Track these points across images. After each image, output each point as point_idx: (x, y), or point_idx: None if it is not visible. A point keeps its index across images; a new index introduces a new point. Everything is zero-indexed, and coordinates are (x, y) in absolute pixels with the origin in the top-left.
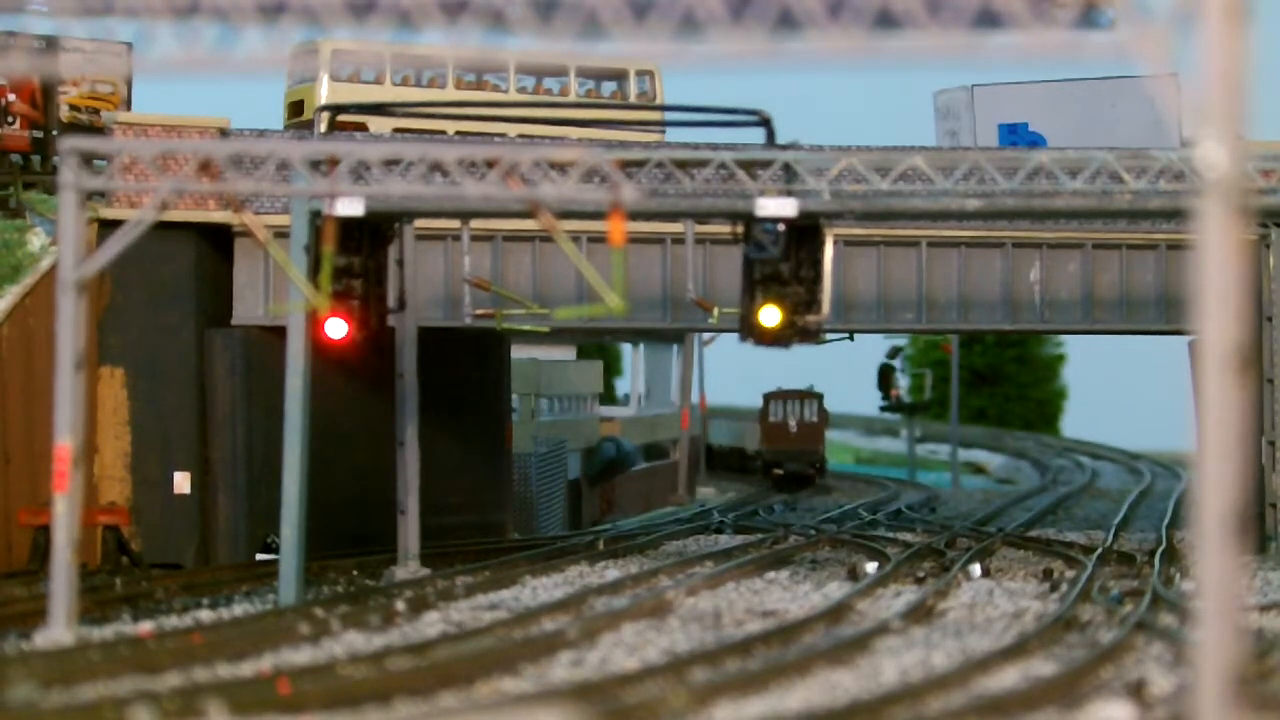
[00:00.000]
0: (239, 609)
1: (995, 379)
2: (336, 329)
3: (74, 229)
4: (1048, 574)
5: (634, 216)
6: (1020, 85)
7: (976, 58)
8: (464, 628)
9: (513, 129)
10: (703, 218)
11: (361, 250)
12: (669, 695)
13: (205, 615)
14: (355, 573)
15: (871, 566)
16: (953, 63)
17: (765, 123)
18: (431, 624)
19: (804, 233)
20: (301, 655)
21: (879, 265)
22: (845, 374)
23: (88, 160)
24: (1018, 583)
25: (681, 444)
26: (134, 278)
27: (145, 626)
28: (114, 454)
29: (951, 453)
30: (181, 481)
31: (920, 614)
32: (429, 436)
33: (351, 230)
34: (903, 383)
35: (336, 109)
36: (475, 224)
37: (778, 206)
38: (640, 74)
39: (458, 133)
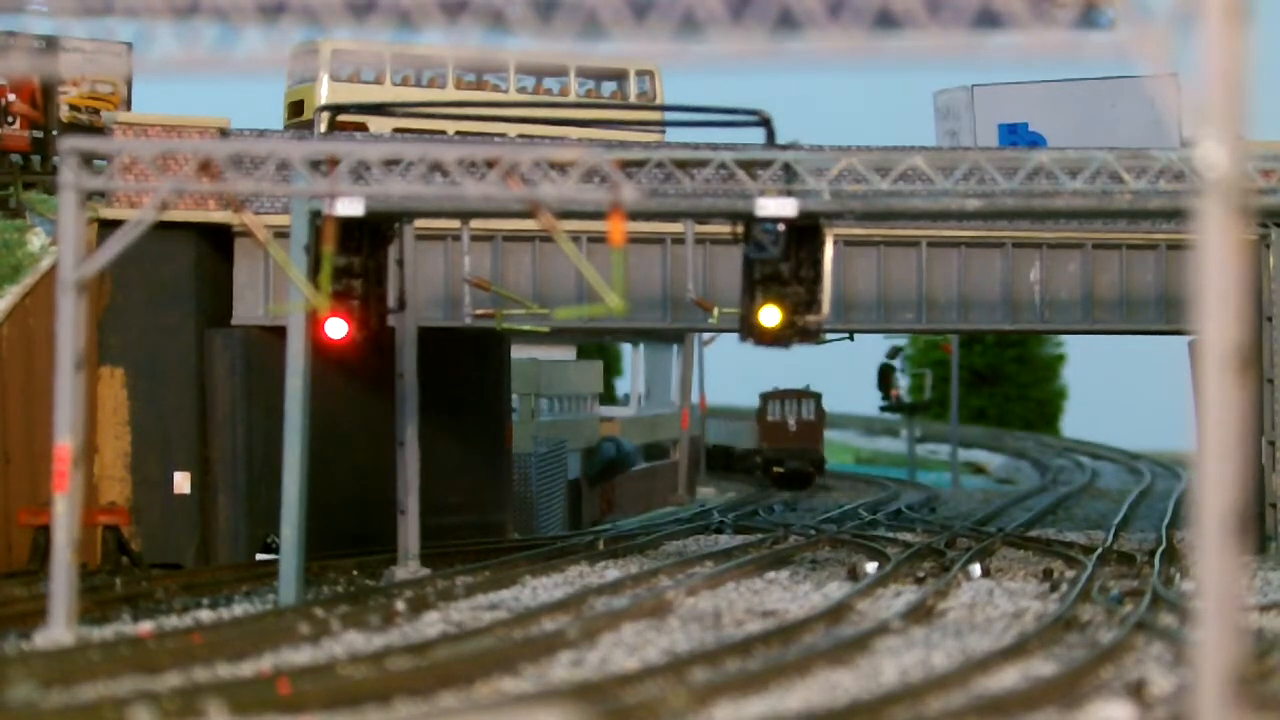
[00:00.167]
0: (239, 609)
1: (995, 379)
2: (336, 329)
3: (74, 229)
4: (1048, 574)
5: (634, 216)
6: (1020, 85)
7: (976, 58)
8: (464, 628)
9: (513, 129)
10: (703, 218)
11: (361, 250)
12: (669, 695)
13: (205, 615)
14: (355, 573)
15: (871, 566)
16: (953, 63)
17: (765, 123)
18: (431, 624)
19: (804, 233)
20: (301, 655)
21: (879, 265)
22: (845, 374)
23: (88, 160)
24: (1018, 583)
25: (681, 444)
26: (134, 278)
27: (145, 626)
28: (114, 454)
29: (951, 453)
30: (181, 481)
31: (920, 614)
32: (429, 436)
33: (351, 230)
34: (903, 383)
35: (336, 109)
36: (475, 224)
37: (778, 206)
38: (640, 74)
39: (458, 133)
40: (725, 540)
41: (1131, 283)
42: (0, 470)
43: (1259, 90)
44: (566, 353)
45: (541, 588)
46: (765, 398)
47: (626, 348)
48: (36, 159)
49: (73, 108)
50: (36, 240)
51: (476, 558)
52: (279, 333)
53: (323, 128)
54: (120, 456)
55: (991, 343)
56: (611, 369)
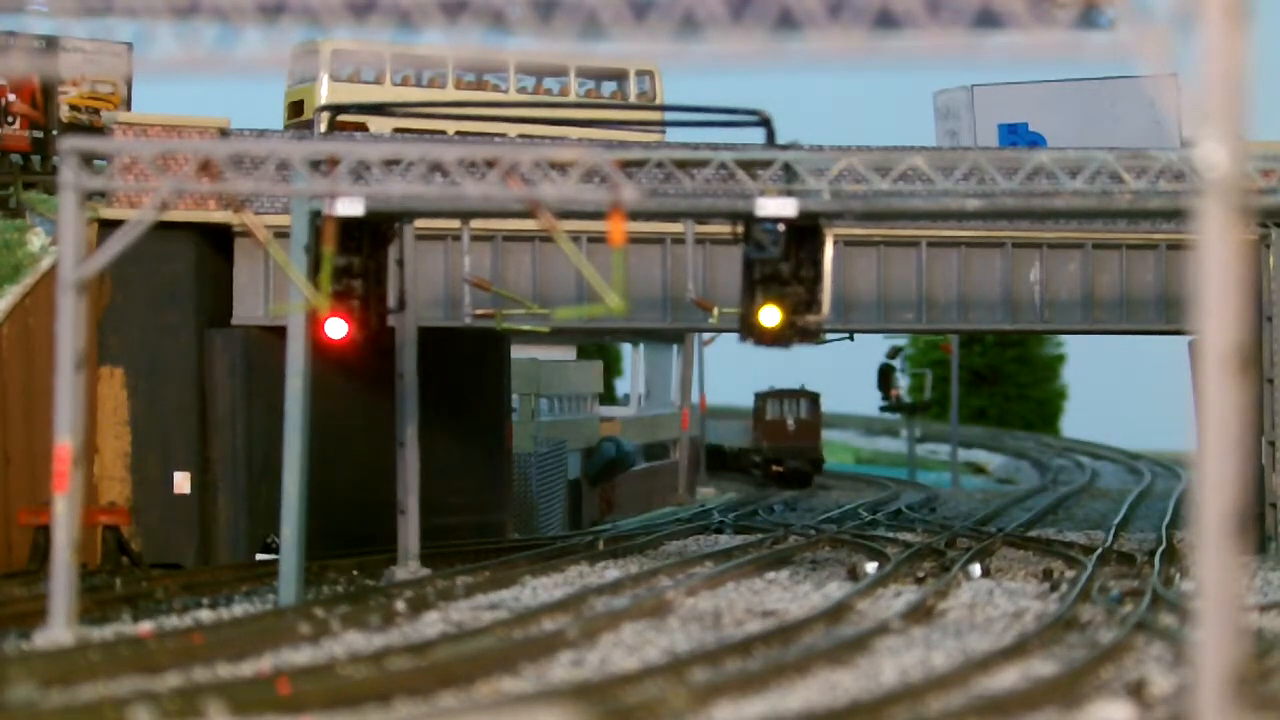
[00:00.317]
0: (239, 609)
1: (995, 379)
2: (336, 329)
3: (74, 229)
4: (1048, 574)
5: (634, 216)
6: (1020, 85)
7: (976, 58)
8: (464, 628)
9: (513, 129)
10: (703, 218)
11: (361, 250)
12: (669, 695)
13: (205, 615)
14: (355, 573)
15: (871, 566)
16: (953, 63)
17: (765, 123)
18: (431, 624)
19: (804, 233)
20: (301, 655)
21: (879, 265)
22: (845, 374)
23: (88, 160)
24: (1018, 583)
25: (681, 444)
26: (134, 278)
27: (145, 626)
28: (114, 454)
29: (951, 453)
30: (181, 481)
31: (920, 614)
32: (429, 436)
33: (351, 230)
34: (903, 383)
35: (336, 109)
36: (475, 224)
37: (778, 206)
38: (640, 74)
39: (458, 133)
40: (725, 540)
41: (1131, 283)
42: (0, 470)
43: (1259, 90)
44: (566, 353)
45: (541, 588)
46: (762, 397)
47: (626, 348)
48: (36, 159)
49: (73, 108)
50: (36, 240)
51: (476, 558)
52: (279, 333)
53: (323, 128)
54: (120, 456)
55: (991, 343)
56: (611, 369)
